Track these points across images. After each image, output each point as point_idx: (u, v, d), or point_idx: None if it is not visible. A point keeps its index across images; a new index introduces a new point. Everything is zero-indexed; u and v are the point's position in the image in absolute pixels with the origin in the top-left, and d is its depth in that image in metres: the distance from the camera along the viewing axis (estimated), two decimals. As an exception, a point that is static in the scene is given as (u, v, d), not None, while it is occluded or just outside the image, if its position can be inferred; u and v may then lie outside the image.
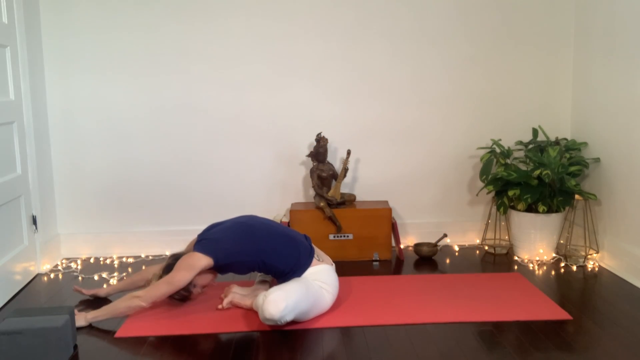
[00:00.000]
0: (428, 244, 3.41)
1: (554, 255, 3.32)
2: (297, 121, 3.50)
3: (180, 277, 2.48)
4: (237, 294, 2.66)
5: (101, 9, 3.34)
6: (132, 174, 3.50)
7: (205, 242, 2.57)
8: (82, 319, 2.48)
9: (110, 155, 3.47)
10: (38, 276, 3.18)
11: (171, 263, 2.59)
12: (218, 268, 2.59)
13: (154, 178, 3.51)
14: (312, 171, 3.38)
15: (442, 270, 3.17)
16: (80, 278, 3.14)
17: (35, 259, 3.20)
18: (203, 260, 2.51)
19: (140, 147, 3.47)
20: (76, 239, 3.51)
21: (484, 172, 3.36)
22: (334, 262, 3.29)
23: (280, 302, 2.31)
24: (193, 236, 3.53)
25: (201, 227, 3.53)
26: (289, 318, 2.35)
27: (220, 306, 2.64)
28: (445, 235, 3.45)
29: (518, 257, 3.34)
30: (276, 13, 3.40)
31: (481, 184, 3.56)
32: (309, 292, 2.44)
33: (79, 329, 2.45)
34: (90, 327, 2.48)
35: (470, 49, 3.50)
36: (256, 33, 3.41)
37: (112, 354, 2.24)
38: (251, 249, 2.55)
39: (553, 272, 3.10)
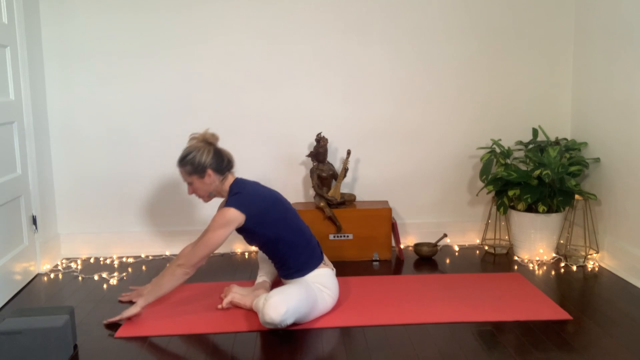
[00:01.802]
0: (428, 244, 3.41)
1: (554, 255, 3.32)
2: (297, 121, 3.50)
3: (217, 236, 2.44)
4: (237, 294, 2.66)
5: (101, 9, 3.34)
6: (132, 174, 3.50)
7: (242, 197, 2.50)
8: (137, 307, 2.46)
9: (110, 155, 3.47)
10: (38, 276, 3.19)
11: None
12: (240, 229, 2.54)
13: (154, 178, 3.51)
14: (312, 171, 3.38)
15: (442, 270, 3.17)
16: (80, 278, 3.14)
17: (35, 259, 3.20)
18: (239, 218, 2.45)
19: (140, 147, 3.47)
20: (76, 239, 3.51)
21: (484, 172, 3.36)
22: (334, 262, 3.29)
23: (281, 306, 2.31)
24: (193, 236, 3.54)
25: (201, 227, 3.54)
26: (289, 322, 2.35)
27: (220, 306, 2.64)
28: (445, 235, 3.45)
29: (518, 257, 3.34)
30: (276, 12, 3.40)
31: (481, 184, 3.56)
32: (309, 296, 2.43)
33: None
34: (90, 327, 2.48)
35: (471, 49, 3.50)
36: (256, 33, 3.41)
37: (112, 354, 2.24)
38: (277, 224, 2.52)
39: (553, 272, 3.10)
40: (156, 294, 2.47)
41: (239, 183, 2.59)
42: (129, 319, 2.51)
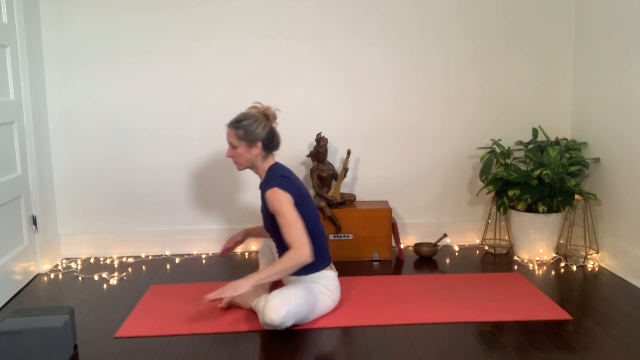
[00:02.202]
0: (428, 244, 3.41)
1: (554, 255, 3.32)
2: (297, 121, 3.50)
3: (290, 211, 2.41)
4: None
5: (101, 9, 3.34)
6: (132, 174, 3.50)
7: (288, 181, 2.50)
8: (246, 284, 2.34)
9: (110, 155, 3.47)
10: (38, 276, 3.19)
11: None
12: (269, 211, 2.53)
13: (154, 178, 3.51)
14: (312, 171, 3.38)
15: (442, 270, 3.17)
16: (80, 278, 3.14)
17: (35, 259, 3.20)
18: (288, 196, 2.45)
19: (140, 147, 3.47)
20: (76, 239, 3.51)
21: (484, 172, 3.36)
22: (334, 262, 3.30)
23: (282, 308, 2.30)
24: (193, 236, 3.54)
25: (201, 227, 3.55)
26: (289, 324, 2.35)
27: (220, 305, 2.64)
28: (445, 235, 3.45)
29: (518, 257, 3.34)
30: (277, 13, 3.40)
31: (481, 184, 3.56)
32: (310, 298, 2.43)
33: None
34: (90, 327, 2.48)
35: (471, 49, 3.50)
36: (256, 32, 3.41)
37: (112, 354, 2.24)
38: (305, 216, 2.50)
39: (553, 272, 3.10)
40: (271, 275, 2.37)
41: (280, 167, 2.60)
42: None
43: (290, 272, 2.41)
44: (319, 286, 2.52)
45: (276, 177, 2.52)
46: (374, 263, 3.31)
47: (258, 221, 3.55)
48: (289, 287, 2.46)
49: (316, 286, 2.51)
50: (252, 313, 2.56)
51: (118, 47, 3.38)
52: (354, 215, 3.33)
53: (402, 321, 2.47)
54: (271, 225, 2.56)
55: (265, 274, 2.37)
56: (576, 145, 3.34)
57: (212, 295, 2.34)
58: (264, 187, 2.55)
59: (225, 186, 3.54)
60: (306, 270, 2.53)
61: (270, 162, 2.61)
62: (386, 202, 3.53)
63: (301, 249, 2.38)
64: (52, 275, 3.19)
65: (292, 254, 2.38)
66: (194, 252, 3.54)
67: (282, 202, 2.43)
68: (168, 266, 3.32)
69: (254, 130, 2.52)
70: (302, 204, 2.51)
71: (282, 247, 2.56)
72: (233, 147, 2.56)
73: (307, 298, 2.41)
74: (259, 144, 2.53)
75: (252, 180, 3.54)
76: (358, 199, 3.57)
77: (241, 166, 2.60)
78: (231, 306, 2.64)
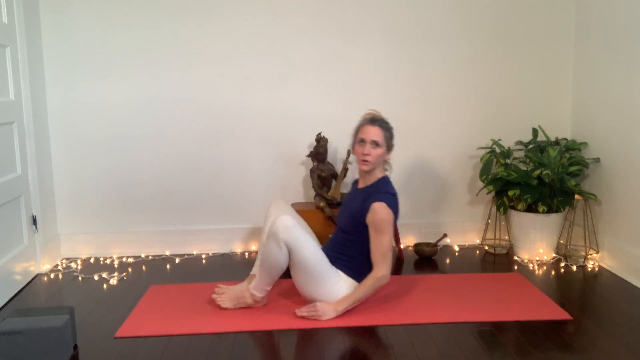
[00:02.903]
0: (428, 244, 3.41)
1: (554, 255, 3.32)
2: (297, 121, 3.50)
3: (389, 235, 2.51)
4: (228, 302, 2.63)
5: (101, 9, 3.34)
6: (132, 174, 3.49)
7: (394, 201, 2.56)
8: (332, 311, 2.47)
9: (110, 155, 3.47)
10: (38, 276, 3.19)
11: None
12: (353, 217, 2.58)
13: (154, 178, 3.51)
14: (312, 171, 3.38)
15: (442, 270, 3.17)
16: (80, 278, 3.14)
17: (35, 259, 3.20)
18: (393, 217, 2.53)
19: (140, 147, 3.47)
20: (76, 239, 3.51)
21: (484, 172, 3.36)
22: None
23: (291, 227, 2.39)
24: (193, 236, 3.54)
25: (201, 227, 3.55)
26: (283, 235, 2.39)
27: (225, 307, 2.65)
28: (445, 235, 3.45)
29: (518, 257, 3.34)
30: (276, 12, 3.40)
31: (481, 184, 3.56)
32: (316, 264, 2.47)
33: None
34: (90, 327, 2.48)
35: (471, 49, 3.50)
36: (256, 32, 3.41)
37: (112, 354, 2.24)
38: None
39: (553, 272, 3.10)
40: (355, 301, 2.51)
41: (389, 182, 2.65)
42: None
43: (374, 293, 2.53)
44: (339, 283, 2.53)
45: (388, 193, 2.57)
46: (374, 263, 3.30)
47: (258, 221, 3.55)
48: (308, 234, 2.55)
49: (337, 278, 2.53)
50: (252, 313, 2.56)
51: (118, 47, 3.38)
52: (354, 215, 3.32)
53: (402, 321, 2.47)
54: (350, 224, 2.59)
55: (351, 300, 2.49)
56: (576, 145, 3.34)
57: (301, 314, 2.49)
58: (371, 194, 2.55)
59: (225, 186, 3.54)
60: (352, 273, 2.57)
61: (382, 172, 2.67)
62: (386, 202, 3.52)
63: (386, 271, 2.49)
64: (52, 275, 3.19)
65: (376, 279, 2.48)
66: (194, 252, 3.54)
67: (386, 220, 2.49)
68: (168, 266, 3.32)
69: (393, 138, 2.64)
70: (392, 224, 2.57)
71: (347, 245, 2.60)
72: (376, 145, 2.58)
73: (314, 257, 2.46)
74: (391, 152, 2.66)
75: (253, 180, 3.54)
76: (358, 199, 3.57)
77: (371, 166, 2.61)
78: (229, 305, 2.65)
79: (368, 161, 2.58)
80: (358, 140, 2.62)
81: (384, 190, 2.55)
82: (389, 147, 2.63)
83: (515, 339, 2.29)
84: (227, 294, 2.64)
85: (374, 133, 2.57)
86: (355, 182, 2.80)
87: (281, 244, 2.41)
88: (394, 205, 2.54)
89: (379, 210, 2.48)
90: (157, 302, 2.73)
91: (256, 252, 3.54)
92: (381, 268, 2.49)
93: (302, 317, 2.49)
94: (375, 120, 2.61)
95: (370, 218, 2.50)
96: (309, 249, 2.46)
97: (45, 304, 2.79)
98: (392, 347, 2.25)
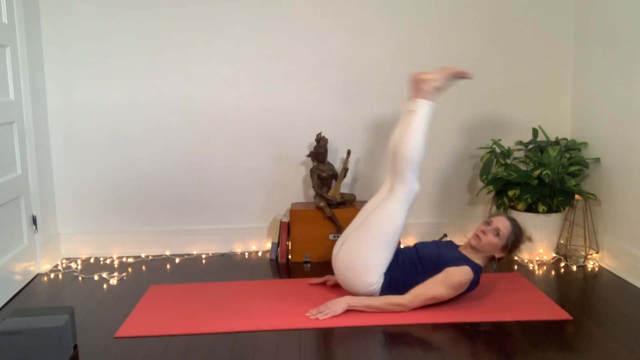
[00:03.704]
0: (428, 244, 3.41)
1: (554, 255, 3.32)
2: (297, 121, 3.50)
3: (445, 294, 2.53)
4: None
5: (101, 9, 3.34)
6: (132, 174, 3.50)
7: (476, 278, 2.57)
8: (343, 302, 2.53)
9: (110, 155, 3.47)
10: (38, 276, 3.19)
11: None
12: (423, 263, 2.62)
13: (154, 178, 3.51)
14: (312, 171, 3.38)
15: (442, 270, 3.16)
16: (80, 278, 3.14)
17: (35, 259, 3.20)
18: (463, 287, 2.55)
19: (140, 147, 3.47)
20: (76, 239, 3.51)
21: (484, 172, 3.36)
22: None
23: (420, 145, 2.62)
24: (193, 236, 3.54)
25: (201, 227, 3.55)
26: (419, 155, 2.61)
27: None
28: (445, 235, 3.45)
29: (518, 257, 3.34)
30: (276, 12, 3.40)
31: (481, 184, 3.55)
32: (392, 231, 2.60)
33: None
34: (90, 327, 2.48)
35: (471, 49, 3.50)
36: (256, 32, 3.41)
37: (112, 354, 2.24)
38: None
39: (553, 272, 3.10)
40: (366, 307, 2.54)
41: (479, 273, 2.64)
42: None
43: (385, 312, 2.53)
44: (379, 272, 2.59)
45: (478, 274, 2.58)
46: (374, 263, 3.30)
47: (258, 221, 3.55)
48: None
49: (382, 268, 2.60)
50: (252, 312, 2.56)
51: (118, 47, 3.38)
52: (354, 215, 3.29)
53: (402, 321, 2.47)
54: (433, 259, 2.60)
55: (364, 303, 2.53)
56: (576, 145, 3.34)
57: (313, 315, 2.51)
58: (467, 259, 2.58)
59: (225, 186, 3.54)
60: (386, 282, 2.60)
61: (482, 262, 2.67)
62: (386, 202, 3.52)
63: (409, 305, 2.52)
64: (52, 275, 3.19)
65: (397, 304, 2.52)
66: (194, 252, 3.54)
67: (459, 283, 2.51)
68: (168, 266, 3.32)
69: (516, 248, 2.67)
70: (456, 291, 2.57)
71: (408, 272, 2.62)
72: (496, 234, 2.61)
73: (398, 231, 2.63)
74: (504, 254, 2.67)
75: (253, 180, 3.54)
76: (358, 199, 3.57)
77: (479, 246, 2.64)
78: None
79: (480, 239, 2.62)
80: (486, 221, 2.68)
81: (475, 269, 2.57)
82: (506, 247, 2.63)
83: (515, 339, 2.29)
84: None
85: (503, 224, 2.63)
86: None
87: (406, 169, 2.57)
88: (472, 283, 2.56)
89: (463, 273, 2.52)
90: (157, 302, 2.73)
91: (256, 251, 3.55)
92: (409, 300, 2.52)
93: (316, 319, 2.49)
94: (513, 220, 2.67)
95: (451, 270, 2.52)
96: (403, 212, 2.57)
97: (45, 304, 2.79)
98: (392, 347, 2.25)
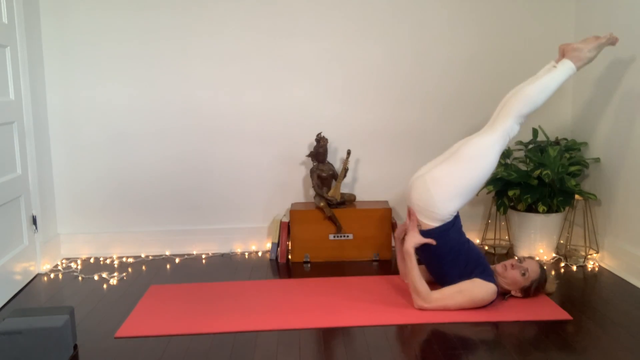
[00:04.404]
0: (428, 244, 3.41)
1: (554, 255, 3.32)
2: (297, 121, 3.50)
3: (464, 304, 2.54)
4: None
5: (101, 9, 3.34)
6: (132, 174, 3.50)
7: (496, 294, 2.58)
8: (413, 242, 2.59)
9: (110, 155, 3.47)
10: (38, 276, 3.19)
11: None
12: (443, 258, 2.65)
13: (154, 178, 3.51)
14: (312, 171, 3.38)
15: (442, 270, 3.16)
16: (80, 278, 3.14)
17: (35, 259, 3.20)
18: (486, 301, 2.57)
19: (140, 147, 3.47)
20: (76, 239, 3.51)
21: (484, 172, 3.35)
22: (334, 262, 3.30)
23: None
24: (193, 236, 3.54)
25: (201, 227, 3.55)
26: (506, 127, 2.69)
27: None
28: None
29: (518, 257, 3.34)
30: (277, 13, 3.40)
31: (481, 184, 3.55)
32: (479, 179, 2.63)
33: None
34: (90, 327, 2.48)
35: (471, 49, 3.50)
36: (257, 32, 3.41)
37: (112, 354, 2.24)
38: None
39: (553, 272, 3.10)
40: (414, 262, 2.58)
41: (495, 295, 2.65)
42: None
43: (411, 286, 2.60)
44: (456, 226, 2.69)
45: (498, 290, 2.59)
46: (374, 263, 3.31)
47: (258, 221, 3.56)
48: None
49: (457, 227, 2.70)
50: (252, 312, 2.56)
51: (118, 47, 3.38)
52: (354, 215, 3.33)
53: (402, 321, 2.47)
54: (475, 256, 2.64)
55: (412, 264, 2.57)
56: (576, 145, 3.34)
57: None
58: (493, 276, 2.60)
59: (225, 186, 3.54)
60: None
61: (503, 290, 2.68)
62: (386, 202, 3.53)
63: (425, 303, 2.55)
64: (52, 275, 3.19)
65: (423, 293, 2.55)
66: (194, 252, 3.54)
67: (481, 296, 2.54)
68: (168, 266, 3.32)
69: (539, 290, 2.67)
70: (475, 304, 2.59)
71: (437, 275, 2.71)
72: (522, 274, 2.61)
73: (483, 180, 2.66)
74: (521, 293, 2.67)
75: (253, 180, 3.54)
76: (358, 199, 3.57)
77: (504, 277, 2.64)
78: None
79: (506, 269, 2.63)
80: (519, 258, 2.70)
81: (497, 291, 2.58)
82: (524, 290, 2.63)
83: (515, 339, 2.29)
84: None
85: (533, 268, 2.65)
86: None
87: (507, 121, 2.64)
88: (492, 296, 2.56)
89: (490, 292, 2.54)
90: (157, 302, 2.73)
91: (256, 251, 3.55)
92: (433, 297, 2.55)
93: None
94: (544, 269, 2.68)
95: (479, 282, 2.55)
96: (497, 149, 2.62)
97: (45, 304, 2.79)
98: (392, 347, 2.25)
